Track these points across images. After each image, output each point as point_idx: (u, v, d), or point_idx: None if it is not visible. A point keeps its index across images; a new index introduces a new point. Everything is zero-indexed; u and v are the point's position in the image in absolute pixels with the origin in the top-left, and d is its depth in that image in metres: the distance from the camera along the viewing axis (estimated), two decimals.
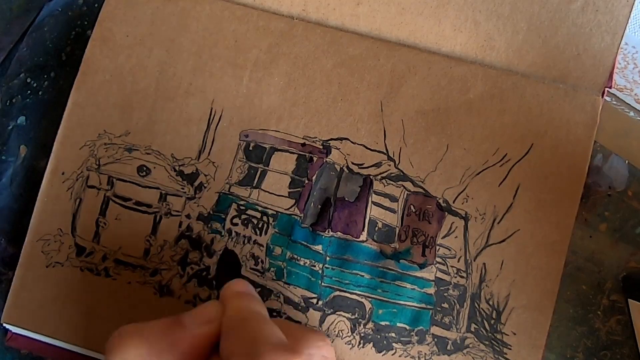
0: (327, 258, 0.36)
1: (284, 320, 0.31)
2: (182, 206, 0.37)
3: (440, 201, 0.36)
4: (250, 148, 0.37)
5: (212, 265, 0.36)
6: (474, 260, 0.36)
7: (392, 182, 0.36)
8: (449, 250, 0.36)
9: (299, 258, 0.36)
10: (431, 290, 0.36)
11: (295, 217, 0.36)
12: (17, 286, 0.37)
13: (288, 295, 0.36)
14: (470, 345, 0.35)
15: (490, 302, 0.35)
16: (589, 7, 0.37)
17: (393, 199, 0.36)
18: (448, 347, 0.35)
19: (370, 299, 0.36)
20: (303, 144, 0.37)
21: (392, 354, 0.35)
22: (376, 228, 0.36)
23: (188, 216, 0.37)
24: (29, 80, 0.42)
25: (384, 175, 0.36)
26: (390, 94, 0.37)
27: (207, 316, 0.29)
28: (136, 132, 0.38)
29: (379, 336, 0.35)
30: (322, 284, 0.36)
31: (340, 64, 0.37)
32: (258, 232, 0.36)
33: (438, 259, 0.36)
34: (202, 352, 0.29)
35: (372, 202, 0.36)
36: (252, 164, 0.37)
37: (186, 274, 0.36)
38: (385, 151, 0.37)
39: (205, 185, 0.37)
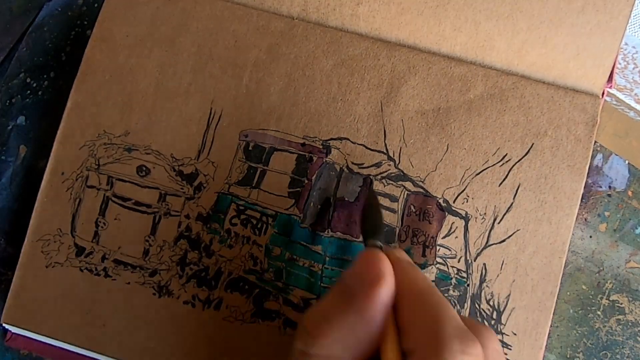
0: (327, 258, 0.36)
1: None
2: (182, 206, 0.37)
3: (441, 201, 0.36)
4: (250, 148, 0.37)
5: (211, 266, 0.36)
6: (474, 261, 0.36)
7: (392, 182, 0.36)
8: (449, 250, 0.36)
9: (298, 258, 0.36)
10: None
11: (295, 217, 0.36)
12: (16, 286, 0.37)
13: (287, 296, 0.36)
14: None
15: (491, 303, 0.35)
16: (589, 7, 0.37)
17: (393, 199, 0.36)
18: None
19: None
20: (303, 144, 0.37)
21: None
22: None
23: (187, 216, 0.37)
24: (28, 80, 0.42)
25: (384, 175, 0.36)
26: (390, 94, 0.37)
27: (374, 275, 0.26)
28: (136, 132, 0.38)
29: None
30: (322, 284, 0.36)
31: (340, 64, 0.37)
32: (257, 233, 0.36)
33: (438, 259, 0.36)
34: (386, 312, 0.26)
35: None
36: (252, 164, 0.37)
37: (185, 274, 0.36)
38: (385, 151, 0.37)
39: (204, 185, 0.37)
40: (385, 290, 0.26)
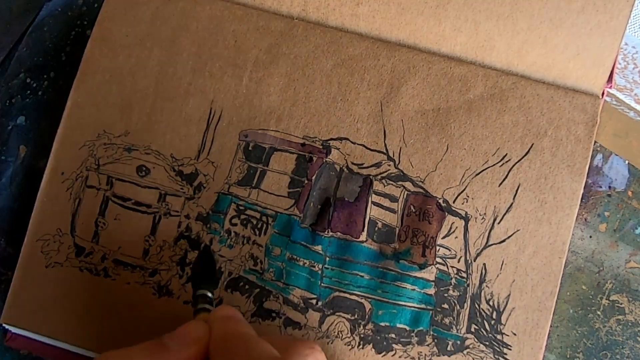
0: (327, 258, 0.36)
1: (269, 336, 0.31)
2: (182, 206, 0.37)
3: (440, 201, 0.36)
4: (250, 148, 0.37)
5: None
6: (474, 261, 0.36)
7: (392, 182, 0.36)
8: (449, 250, 0.36)
9: (298, 258, 0.36)
10: (431, 291, 0.36)
11: (295, 217, 0.36)
12: (16, 286, 0.37)
13: (287, 296, 0.36)
14: (471, 346, 0.35)
15: (491, 303, 0.35)
16: (589, 7, 0.37)
17: (393, 199, 0.36)
18: (448, 348, 0.35)
19: (370, 300, 0.35)
20: (303, 144, 0.37)
21: (392, 355, 0.35)
22: (376, 228, 0.36)
23: (187, 216, 0.37)
24: (28, 80, 0.42)
25: (384, 175, 0.36)
26: (390, 94, 0.37)
27: (192, 336, 0.28)
28: (135, 132, 0.38)
29: (378, 337, 0.35)
30: (322, 284, 0.36)
31: (340, 64, 0.37)
32: (257, 233, 0.36)
33: (438, 260, 0.36)
34: None
35: (372, 202, 0.36)
36: (252, 164, 0.37)
37: (185, 274, 0.36)
38: (385, 151, 0.37)
39: (204, 185, 0.37)
40: (194, 348, 0.28)
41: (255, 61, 0.38)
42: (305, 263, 0.36)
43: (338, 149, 0.37)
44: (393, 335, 0.35)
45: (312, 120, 0.37)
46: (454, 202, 0.36)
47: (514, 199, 0.36)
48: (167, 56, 0.38)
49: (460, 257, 0.36)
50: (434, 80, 0.37)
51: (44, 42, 0.42)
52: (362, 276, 0.36)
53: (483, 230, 0.36)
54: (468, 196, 0.36)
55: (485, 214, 0.36)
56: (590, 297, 0.39)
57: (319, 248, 0.36)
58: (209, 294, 0.32)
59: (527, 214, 0.36)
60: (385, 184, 0.36)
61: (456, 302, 0.35)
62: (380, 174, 0.36)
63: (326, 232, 0.36)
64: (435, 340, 0.35)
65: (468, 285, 0.36)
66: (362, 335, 0.35)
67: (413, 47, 0.38)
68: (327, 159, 0.36)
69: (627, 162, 0.40)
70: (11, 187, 0.41)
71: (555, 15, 0.37)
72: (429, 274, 0.36)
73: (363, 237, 0.36)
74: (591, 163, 0.39)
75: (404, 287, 0.36)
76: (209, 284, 0.33)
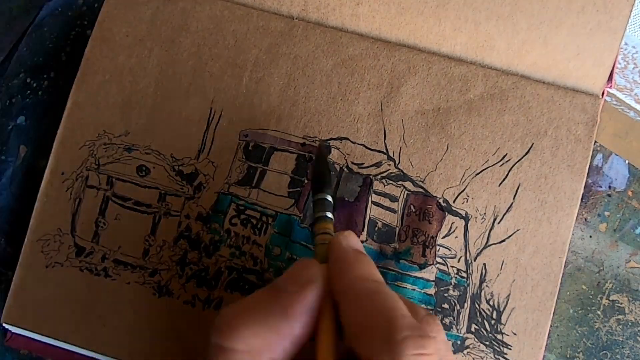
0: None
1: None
2: (182, 206, 0.37)
3: (441, 201, 0.36)
4: (250, 148, 0.37)
5: (211, 266, 0.36)
6: (474, 261, 0.36)
7: (392, 182, 0.36)
8: (449, 250, 0.36)
9: (298, 258, 0.36)
10: (431, 291, 0.36)
11: (295, 217, 0.36)
12: (16, 286, 0.37)
13: None
14: (471, 346, 0.35)
15: (491, 303, 0.35)
16: (589, 7, 0.37)
17: (393, 198, 0.36)
18: None
19: None
20: (303, 144, 0.37)
21: None
22: (376, 228, 0.36)
23: (187, 216, 0.37)
24: (28, 80, 0.42)
25: (384, 175, 0.36)
26: (390, 94, 0.37)
27: (306, 278, 0.26)
28: (136, 132, 0.38)
29: None
30: None
31: (340, 64, 0.37)
32: (257, 232, 0.36)
33: (438, 259, 0.36)
34: (312, 315, 0.26)
35: (372, 202, 0.36)
36: (252, 164, 0.37)
37: (185, 274, 0.36)
38: (385, 151, 0.37)
39: (204, 185, 0.37)
40: (312, 293, 0.26)
41: (255, 61, 0.38)
42: None
43: (338, 148, 0.37)
44: None
45: (312, 120, 0.37)
46: (454, 201, 0.36)
47: (514, 198, 0.36)
48: (167, 56, 0.38)
49: (461, 257, 0.36)
50: (434, 80, 0.37)
51: (44, 42, 0.42)
52: None
53: (483, 230, 0.36)
54: (468, 196, 0.36)
55: (485, 213, 0.36)
56: (590, 297, 0.39)
57: None
58: (328, 197, 0.31)
59: (527, 214, 0.36)
60: (385, 184, 0.36)
61: (456, 302, 0.35)
62: (380, 173, 0.36)
63: None
64: None
65: (468, 285, 0.36)
66: None
67: (413, 47, 0.38)
68: (327, 159, 0.36)
69: (627, 162, 0.40)
70: (11, 187, 0.41)
71: (555, 15, 0.37)
72: (429, 273, 0.36)
73: (363, 236, 0.36)
74: (591, 163, 0.39)
75: (404, 287, 0.36)
76: (328, 187, 0.32)
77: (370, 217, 0.36)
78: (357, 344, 0.25)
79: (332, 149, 0.37)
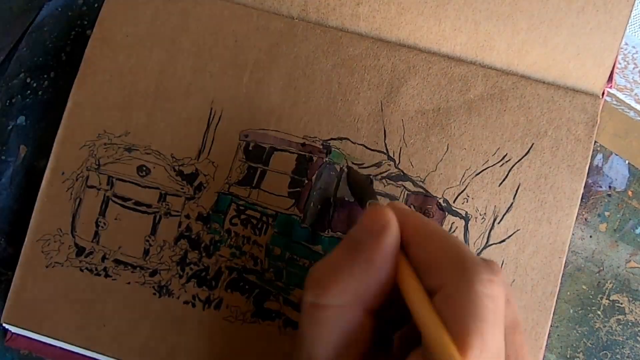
0: None
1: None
2: (182, 206, 0.37)
3: (441, 201, 0.36)
4: (250, 148, 0.37)
5: (211, 266, 0.36)
6: None
7: (392, 182, 0.36)
8: None
9: (298, 258, 0.36)
10: None
11: (295, 217, 0.36)
12: (16, 286, 0.37)
13: (287, 296, 0.36)
14: None
15: None
16: (589, 7, 0.37)
17: (393, 198, 0.36)
18: None
19: None
20: (303, 144, 0.37)
21: None
22: None
23: (187, 216, 0.37)
24: (29, 80, 0.42)
25: (384, 175, 0.36)
26: (390, 94, 0.37)
27: (380, 225, 0.26)
28: (136, 132, 0.38)
29: None
30: None
31: (340, 64, 0.37)
32: (257, 233, 0.36)
33: None
34: (393, 260, 0.26)
35: None
36: (252, 164, 0.37)
37: (185, 274, 0.36)
38: (385, 151, 0.37)
39: (204, 185, 0.37)
40: (391, 237, 0.26)
41: (255, 61, 0.38)
42: (306, 263, 0.36)
43: (338, 148, 0.37)
44: None
45: (312, 120, 0.37)
46: (454, 202, 0.36)
47: (514, 198, 0.36)
48: (167, 56, 0.38)
49: None
50: (434, 80, 0.37)
51: (44, 42, 0.42)
52: None
53: (483, 230, 0.36)
54: (468, 196, 0.36)
55: (485, 213, 0.36)
56: (590, 297, 0.39)
57: (319, 248, 0.36)
58: (379, 203, 0.31)
59: (527, 214, 0.36)
60: (386, 184, 0.36)
61: None
62: (381, 173, 0.36)
63: (326, 232, 0.36)
64: None
65: None
66: None
67: (413, 47, 0.38)
68: (327, 159, 0.36)
69: (627, 162, 0.40)
70: (11, 187, 0.41)
71: (555, 15, 0.37)
72: None
73: None
74: (591, 163, 0.39)
75: None
76: (371, 195, 0.33)
77: None
78: (429, 278, 0.25)
79: (332, 149, 0.37)
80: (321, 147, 0.37)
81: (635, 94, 0.42)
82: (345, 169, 0.36)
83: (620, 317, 0.39)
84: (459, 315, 0.23)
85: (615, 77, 0.37)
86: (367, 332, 0.26)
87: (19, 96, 0.42)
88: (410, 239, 0.27)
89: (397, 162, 0.36)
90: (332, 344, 0.26)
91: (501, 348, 0.24)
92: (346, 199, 0.36)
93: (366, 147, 0.37)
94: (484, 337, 0.22)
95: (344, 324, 0.26)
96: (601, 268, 0.39)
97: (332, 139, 0.37)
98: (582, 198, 0.36)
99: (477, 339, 0.22)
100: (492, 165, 0.36)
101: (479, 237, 0.36)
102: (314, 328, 0.26)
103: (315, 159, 0.36)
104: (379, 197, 0.36)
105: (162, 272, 0.36)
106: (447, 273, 0.25)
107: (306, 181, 0.36)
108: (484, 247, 0.36)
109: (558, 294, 0.35)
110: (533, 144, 0.36)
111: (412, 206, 0.36)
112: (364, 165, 0.36)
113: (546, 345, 0.35)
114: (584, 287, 0.39)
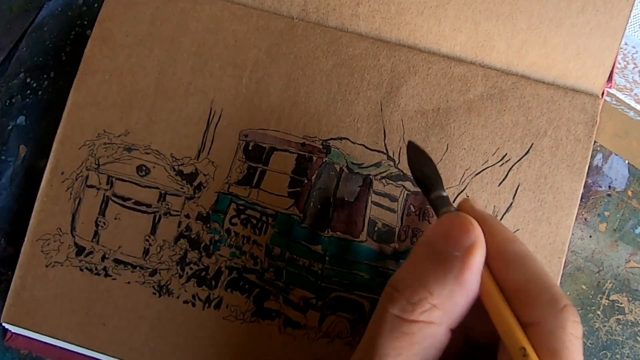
0: (327, 258, 0.36)
1: None
2: (182, 206, 0.37)
3: None
4: (250, 148, 0.37)
5: (211, 265, 0.36)
6: None
7: (391, 182, 0.36)
8: None
9: (298, 258, 0.36)
10: None
11: (295, 217, 0.36)
12: (16, 286, 0.37)
13: (287, 295, 0.36)
14: None
15: None
16: (589, 7, 0.37)
17: (393, 198, 0.36)
18: None
19: (370, 299, 0.35)
20: (303, 144, 0.37)
21: None
22: (376, 228, 0.36)
23: (187, 216, 0.37)
24: (28, 80, 0.42)
25: (383, 175, 0.36)
26: (390, 94, 0.37)
27: (470, 240, 0.26)
28: (136, 132, 0.38)
29: None
30: (322, 284, 0.36)
31: (340, 64, 0.37)
32: (257, 232, 0.36)
33: None
34: (479, 278, 0.26)
35: (372, 202, 0.36)
36: (252, 164, 0.37)
37: (185, 273, 0.36)
38: (385, 151, 0.37)
39: (204, 185, 0.37)
40: (481, 256, 0.26)
41: (255, 61, 0.38)
42: (305, 263, 0.36)
43: (338, 148, 0.37)
44: None
45: (312, 120, 0.37)
46: (454, 202, 0.36)
47: (513, 198, 0.36)
48: (167, 56, 0.38)
49: None
50: (434, 80, 0.37)
51: (44, 42, 0.42)
52: (362, 276, 0.36)
53: None
54: (468, 196, 0.36)
55: None
56: (590, 296, 0.39)
57: (318, 248, 0.36)
58: (444, 193, 0.30)
59: (526, 214, 0.36)
60: (385, 184, 0.36)
61: None
62: (380, 173, 0.36)
63: (326, 232, 0.36)
64: None
65: None
66: (362, 335, 0.35)
67: (413, 47, 0.38)
68: (327, 159, 0.37)
69: (627, 162, 0.40)
70: (11, 187, 0.41)
71: (555, 15, 0.37)
72: None
73: (363, 236, 0.36)
74: (591, 163, 0.39)
75: None
76: (437, 182, 0.31)
77: (370, 217, 0.36)
78: (519, 306, 0.25)
79: (332, 149, 0.37)
80: (321, 147, 0.37)
81: (635, 94, 0.42)
82: (406, 144, 0.34)
83: (620, 317, 0.39)
84: (553, 355, 0.24)
85: (615, 77, 0.37)
86: (446, 349, 0.26)
87: (19, 96, 0.42)
88: (496, 256, 0.26)
89: (396, 162, 0.36)
90: (412, 358, 0.25)
91: None
92: (346, 199, 0.36)
93: (366, 147, 0.37)
94: None
95: (430, 340, 0.25)
96: (601, 268, 0.39)
97: (332, 138, 0.37)
98: (581, 198, 0.36)
99: None
100: (491, 165, 0.36)
101: None
102: (396, 341, 0.25)
103: (315, 158, 0.36)
104: (378, 197, 0.36)
105: (162, 272, 0.36)
106: (541, 309, 0.25)
107: (306, 181, 0.36)
108: None
109: None
110: (533, 144, 0.36)
111: (411, 206, 0.36)
112: (364, 165, 0.36)
113: None
114: (583, 287, 0.39)
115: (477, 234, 0.26)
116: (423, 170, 0.32)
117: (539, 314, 0.25)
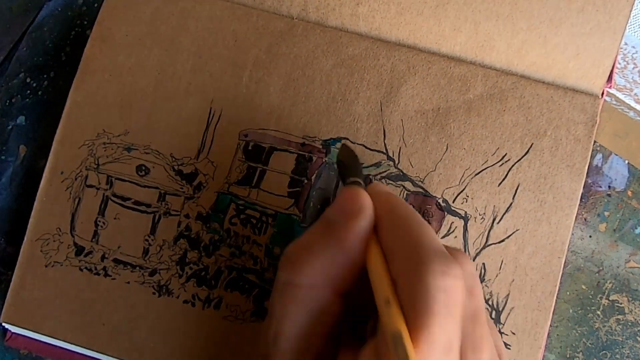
0: None
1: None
2: (181, 206, 0.37)
3: (440, 201, 0.36)
4: (250, 148, 0.37)
5: (211, 265, 0.36)
6: (474, 260, 0.36)
7: (391, 182, 0.36)
8: None
9: None
10: None
11: (295, 216, 0.36)
12: (16, 286, 0.37)
13: None
14: None
15: (490, 302, 0.35)
16: (589, 7, 0.37)
17: None
18: None
19: None
20: (302, 144, 0.37)
21: None
22: None
23: (187, 216, 0.37)
24: (28, 80, 0.42)
25: (383, 175, 0.36)
26: (390, 94, 0.37)
27: (355, 207, 0.27)
28: (135, 132, 0.38)
29: None
30: None
31: (340, 63, 0.37)
32: (257, 232, 0.36)
33: None
34: (364, 244, 0.27)
35: None
36: (251, 164, 0.37)
37: (185, 273, 0.36)
38: (384, 151, 0.37)
39: (204, 184, 0.37)
40: (364, 221, 0.27)
41: (255, 61, 0.38)
42: None
43: (338, 148, 0.37)
44: None
45: (312, 120, 0.37)
46: (453, 201, 0.36)
47: (513, 198, 0.36)
48: (167, 56, 0.38)
49: None
50: (434, 80, 0.37)
51: (44, 42, 0.42)
52: None
53: (482, 230, 0.36)
54: (467, 196, 0.36)
55: (484, 213, 0.36)
56: (590, 297, 0.39)
57: None
58: (359, 180, 0.30)
59: (526, 214, 0.36)
60: (385, 184, 0.36)
61: None
62: (380, 173, 0.36)
63: None
64: None
65: None
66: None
67: (413, 47, 0.38)
68: (326, 159, 0.37)
69: (627, 162, 0.40)
70: (11, 187, 0.41)
71: (555, 15, 0.37)
72: None
73: None
74: (591, 163, 0.39)
75: None
76: (356, 174, 0.31)
77: None
78: (391, 265, 0.25)
79: (332, 149, 0.37)
80: (321, 147, 0.37)
81: (635, 94, 0.42)
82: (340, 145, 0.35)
83: (619, 317, 0.39)
84: (410, 308, 0.23)
85: (615, 77, 0.37)
86: (335, 314, 0.27)
87: (19, 96, 0.42)
88: (382, 223, 0.27)
89: (396, 162, 0.36)
90: (299, 322, 0.26)
91: (453, 340, 0.24)
92: None
93: (366, 147, 0.37)
94: (430, 330, 0.23)
95: (313, 303, 0.26)
96: (601, 268, 0.39)
97: (332, 139, 0.37)
98: (581, 198, 0.36)
99: (424, 332, 0.23)
100: (491, 165, 0.36)
101: (479, 237, 0.36)
102: (284, 306, 0.26)
103: (314, 158, 0.36)
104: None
105: (162, 272, 0.36)
106: (403, 263, 0.25)
107: (306, 181, 0.36)
108: (483, 247, 0.36)
109: (557, 294, 0.35)
110: (532, 144, 0.36)
111: (411, 206, 0.36)
112: (364, 165, 0.36)
113: (546, 345, 0.35)
114: (583, 287, 0.39)
115: (363, 203, 0.27)
116: (346, 161, 0.33)
117: (401, 267, 0.25)
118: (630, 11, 0.36)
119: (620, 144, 0.40)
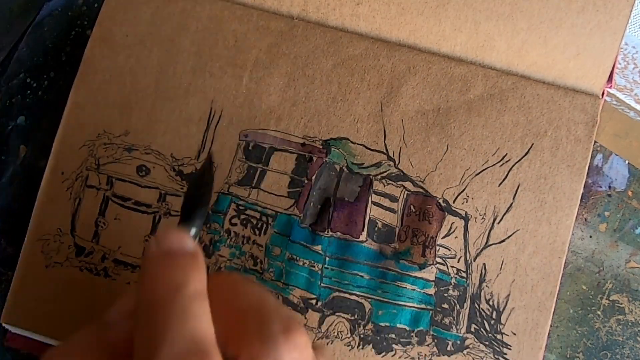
0: (327, 258, 0.36)
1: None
2: None
3: (440, 201, 0.36)
4: (250, 148, 0.37)
5: (211, 266, 0.36)
6: (474, 261, 0.36)
7: (392, 182, 0.36)
8: (449, 250, 0.36)
9: (298, 258, 0.36)
10: (431, 291, 0.36)
11: (295, 217, 0.36)
12: (16, 286, 0.37)
13: (287, 296, 0.36)
14: (470, 346, 0.35)
15: (490, 303, 0.35)
16: (589, 7, 0.37)
17: (393, 199, 0.36)
18: (448, 348, 0.35)
19: (369, 300, 0.35)
20: (303, 144, 0.37)
21: (392, 355, 0.35)
22: (376, 228, 0.36)
23: None
24: (28, 80, 0.42)
25: (384, 175, 0.36)
26: (390, 94, 0.37)
27: (129, 306, 0.23)
28: (135, 132, 0.38)
29: (378, 337, 0.35)
30: (322, 284, 0.36)
31: (340, 64, 0.37)
32: (257, 232, 0.36)
33: (438, 259, 0.36)
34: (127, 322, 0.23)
35: (372, 202, 0.36)
36: (252, 164, 0.37)
37: None
38: (385, 151, 0.37)
39: None
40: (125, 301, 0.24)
41: (255, 61, 0.38)
42: (305, 263, 0.36)
43: (338, 148, 0.37)
44: (393, 336, 0.35)
45: (312, 120, 0.37)
46: (453, 202, 0.36)
47: (513, 198, 0.36)
48: (167, 56, 0.38)
49: (460, 257, 0.36)
50: (434, 80, 0.37)
51: (44, 42, 0.42)
52: (362, 276, 0.36)
53: (483, 230, 0.36)
54: (468, 196, 0.36)
55: (485, 213, 0.36)
56: (590, 297, 0.39)
57: (318, 248, 0.36)
58: (192, 232, 0.25)
59: (526, 214, 0.36)
60: (385, 184, 0.36)
61: (456, 302, 0.35)
62: (380, 173, 0.36)
63: (326, 232, 0.36)
64: (435, 340, 0.35)
65: (468, 285, 0.36)
66: (361, 336, 0.35)
67: (413, 47, 0.38)
68: (327, 159, 0.37)
69: (627, 162, 0.40)
70: (11, 187, 0.41)
71: (555, 15, 0.37)
72: (429, 274, 0.36)
73: (363, 237, 0.36)
74: (591, 163, 0.39)
75: (404, 287, 0.36)
76: (196, 216, 0.26)
77: (370, 217, 0.36)
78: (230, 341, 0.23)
79: (332, 149, 0.37)
80: (321, 147, 0.37)
81: (635, 94, 0.42)
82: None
83: (620, 317, 0.39)
84: None
85: (615, 77, 0.37)
86: None
87: (19, 96, 0.42)
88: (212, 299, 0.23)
89: (397, 162, 0.36)
90: None
91: None
92: (346, 199, 0.36)
93: (366, 147, 0.37)
94: None
95: None
96: (601, 268, 0.39)
97: (332, 139, 0.37)
98: (582, 198, 0.36)
99: None
100: (492, 166, 0.36)
101: (479, 237, 0.36)
102: None
103: (315, 158, 0.36)
104: (378, 197, 0.36)
105: None
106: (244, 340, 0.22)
107: (306, 181, 0.36)
108: (484, 247, 0.36)
109: (558, 294, 0.35)
110: (533, 144, 0.36)
111: (412, 206, 0.36)
112: (364, 166, 0.36)
113: (546, 345, 0.35)
114: (583, 287, 0.39)
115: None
116: (193, 197, 0.27)
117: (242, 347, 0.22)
118: (631, 11, 0.36)
119: (621, 144, 0.40)
